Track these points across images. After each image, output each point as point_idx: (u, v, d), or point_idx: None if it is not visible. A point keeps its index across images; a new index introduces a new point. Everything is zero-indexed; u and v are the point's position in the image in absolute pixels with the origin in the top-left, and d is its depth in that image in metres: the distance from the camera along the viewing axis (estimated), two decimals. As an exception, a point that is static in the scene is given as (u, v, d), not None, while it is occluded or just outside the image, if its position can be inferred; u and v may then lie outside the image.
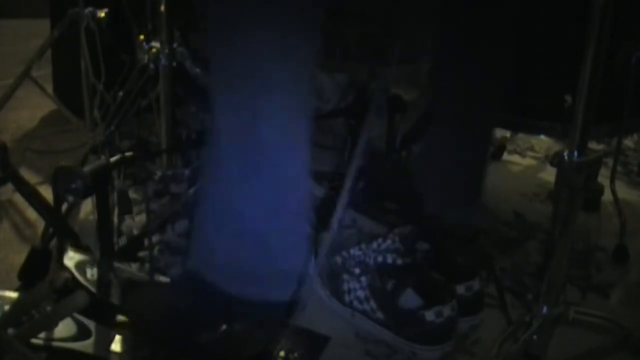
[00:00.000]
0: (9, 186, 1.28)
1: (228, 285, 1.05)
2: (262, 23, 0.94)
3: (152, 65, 1.48)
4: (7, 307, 1.05)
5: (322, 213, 1.50)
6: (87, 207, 1.46)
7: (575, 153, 0.99)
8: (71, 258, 1.17)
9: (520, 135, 2.00)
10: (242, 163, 1.01)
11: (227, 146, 1.01)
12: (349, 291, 1.21)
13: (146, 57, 1.47)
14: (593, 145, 1.41)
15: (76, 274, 1.13)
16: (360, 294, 1.19)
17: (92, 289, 1.12)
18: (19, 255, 1.28)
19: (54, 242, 1.22)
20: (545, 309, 1.06)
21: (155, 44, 1.47)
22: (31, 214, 1.43)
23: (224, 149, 1.01)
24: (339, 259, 1.26)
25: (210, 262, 1.07)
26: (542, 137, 1.85)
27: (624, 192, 1.69)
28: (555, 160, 1.00)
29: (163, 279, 1.27)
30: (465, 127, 1.32)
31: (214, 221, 1.06)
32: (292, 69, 0.97)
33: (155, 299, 1.11)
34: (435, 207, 1.32)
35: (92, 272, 1.15)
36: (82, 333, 1.06)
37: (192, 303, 1.08)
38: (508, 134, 1.96)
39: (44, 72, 1.96)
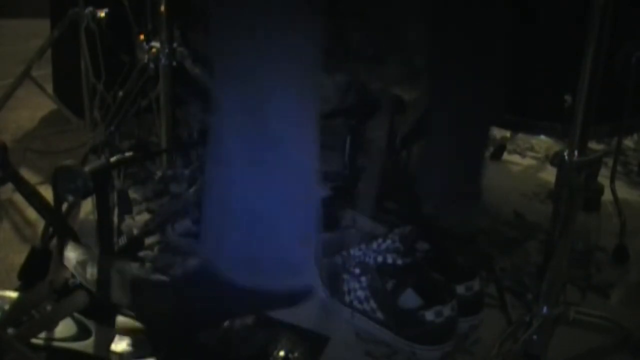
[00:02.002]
0: (9, 186, 1.28)
1: (237, 275, 1.05)
2: (264, 21, 0.94)
3: (152, 65, 1.48)
4: (7, 307, 1.05)
5: (322, 213, 1.51)
6: (87, 207, 1.46)
7: (575, 153, 0.99)
8: (71, 258, 1.16)
9: (520, 135, 2.00)
10: (250, 159, 1.01)
11: (234, 144, 1.01)
12: (349, 291, 1.21)
13: (146, 57, 1.47)
14: (593, 145, 1.41)
15: (76, 274, 1.13)
16: (360, 294, 1.19)
17: (92, 288, 1.12)
18: (19, 255, 1.28)
19: (54, 242, 1.22)
20: (545, 309, 1.06)
21: (155, 44, 1.47)
22: (31, 214, 1.43)
23: (231, 146, 1.02)
24: (339, 259, 1.26)
25: (219, 251, 1.07)
26: (542, 137, 1.85)
27: (624, 192, 1.69)
28: (555, 160, 1.00)
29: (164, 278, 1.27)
30: (464, 126, 1.32)
31: (221, 213, 1.06)
32: (296, 65, 0.97)
33: (157, 298, 1.11)
34: (436, 207, 1.32)
35: (92, 272, 1.15)
36: (82, 333, 1.06)
37: (200, 294, 1.08)
38: (508, 134, 1.96)
39: (44, 72, 1.96)
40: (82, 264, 1.14)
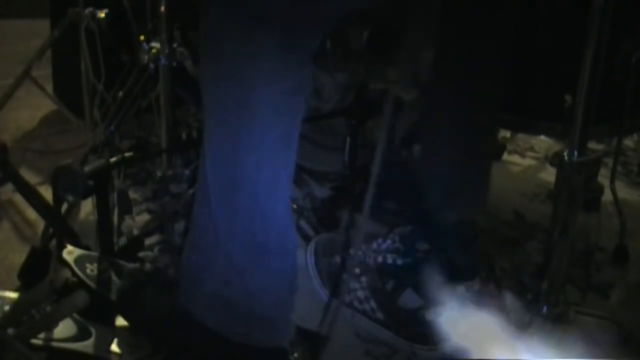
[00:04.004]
0: (9, 186, 1.28)
1: (213, 322, 1.02)
2: (253, 51, 0.92)
3: (152, 66, 1.48)
4: (7, 307, 1.05)
5: (323, 213, 1.51)
6: (87, 207, 1.46)
7: (575, 153, 0.99)
8: (70, 252, 1.16)
9: (520, 135, 2.00)
10: (223, 199, 0.99)
11: (212, 182, 0.99)
12: (349, 291, 1.21)
13: (146, 57, 1.47)
14: (593, 145, 1.41)
15: (76, 269, 1.13)
16: (360, 294, 1.19)
17: (92, 284, 1.12)
18: (19, 255, 1.28)
19: (54, 242, 1.22)
20: (545, 309, 1.06)
21: (155, 44, 1.47)
22: (31, 214, 1.44)
23: (210, 185, 0.99)
24: (338, 259, 1.26)
25: (196, 296, 1.04)
26: (542, 137, 1.85)
27: (624, 192, 1.69)
28: (555, 160, 1.00)
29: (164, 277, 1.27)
30: (466, 126, 1.31)
31: (201, 254, 1.03)
32: (279, 103, 0.94)
33: (156, 298, 1.11)
34: (439, 204, 1.32)
35: (91, 267, 1.15)
36: (82, 333, 1.06)
37: (170, 334, 1.06)
38: (508, 134, 1.96)
39: (44, 72, 1.96)
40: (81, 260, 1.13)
